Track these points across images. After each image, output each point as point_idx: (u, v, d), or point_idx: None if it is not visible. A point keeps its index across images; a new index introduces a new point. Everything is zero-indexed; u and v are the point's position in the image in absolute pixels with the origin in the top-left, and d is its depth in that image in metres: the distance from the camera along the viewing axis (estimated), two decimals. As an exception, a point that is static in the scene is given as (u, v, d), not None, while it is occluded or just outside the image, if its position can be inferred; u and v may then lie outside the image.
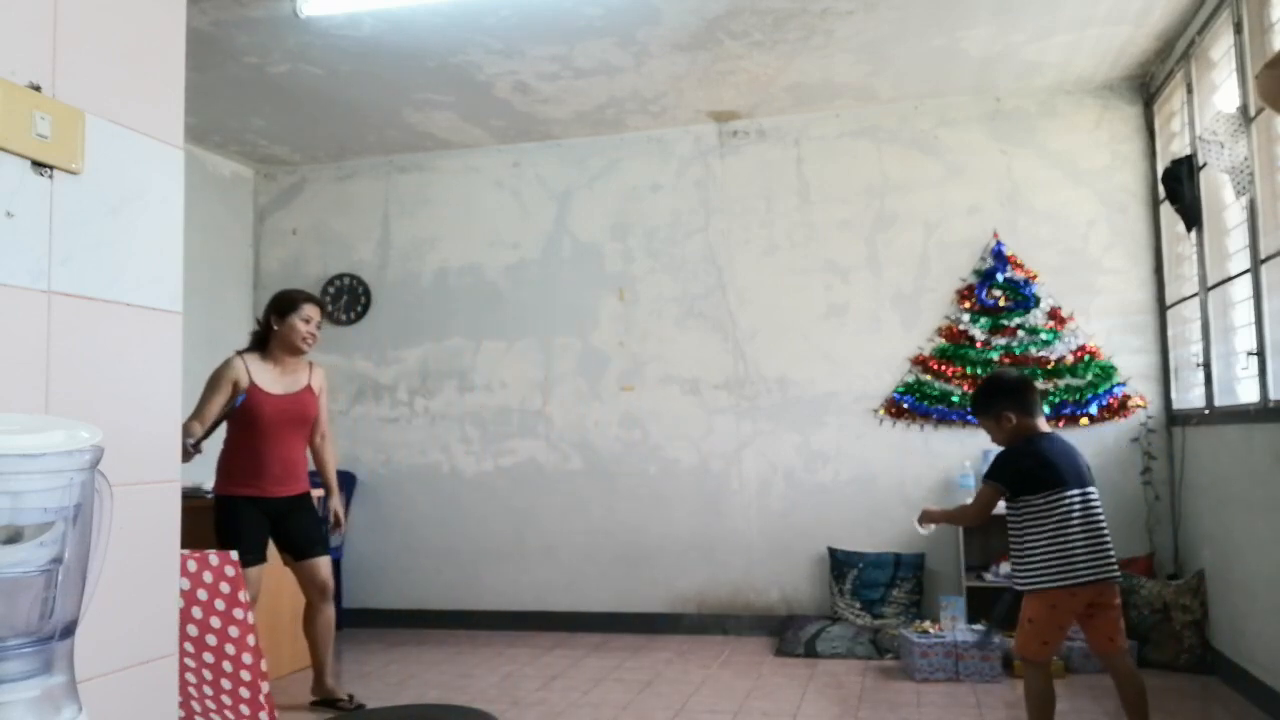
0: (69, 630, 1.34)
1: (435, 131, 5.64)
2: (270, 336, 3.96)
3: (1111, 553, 3.01)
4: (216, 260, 5.88)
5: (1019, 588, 3.05)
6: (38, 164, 1.67)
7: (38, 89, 1.67)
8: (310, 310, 3.98)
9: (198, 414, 3.78)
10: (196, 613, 2.73)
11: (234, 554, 3.21)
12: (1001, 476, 3.08)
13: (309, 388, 4.04)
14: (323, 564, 4.01)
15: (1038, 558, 2.99)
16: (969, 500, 4.96)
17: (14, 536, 1.25)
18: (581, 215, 5.79)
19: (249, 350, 3.97)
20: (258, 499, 3.86)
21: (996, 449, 5.26)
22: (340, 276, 6.09)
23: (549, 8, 4.11)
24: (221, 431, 3.94)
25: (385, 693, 4.23)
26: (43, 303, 1.67)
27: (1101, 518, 3.02)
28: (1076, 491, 3.00)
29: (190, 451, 3.64)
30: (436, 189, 6.02)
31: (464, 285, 5.93)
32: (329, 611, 4.04)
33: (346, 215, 6.14)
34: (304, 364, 4.06)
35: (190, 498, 3.66)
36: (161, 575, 1.93)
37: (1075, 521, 2.97)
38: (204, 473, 4.93)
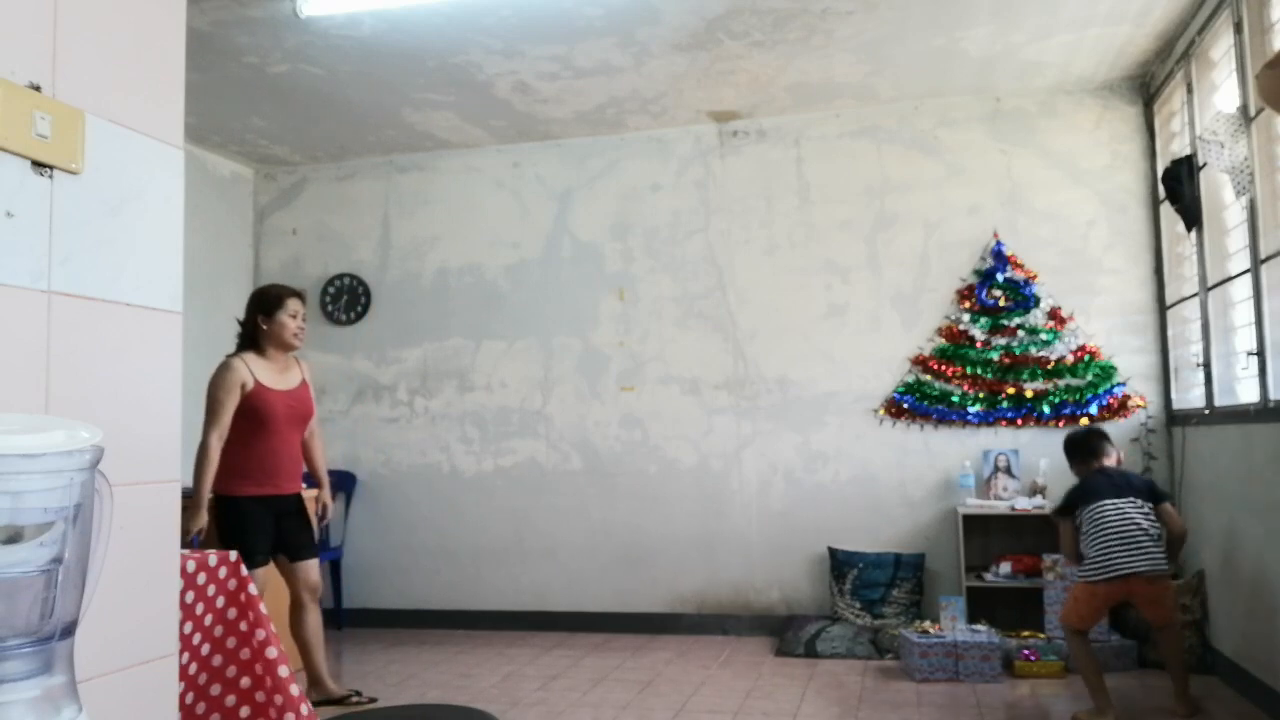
0: (69, 630, 1.34)
1: (435, 131, 5.64)
2: (259, 335, 3.94)
3: None
4: (216, 260, 5.88)
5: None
6: (38, 164, 1.67)
7: (38, 89, 1.67)
8: (295, 305, 3.97)
9: (217, 426, 3.76)
10: (204, 613, 2.73)
11: (233, 554, 3.19)
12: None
13: (305, 383, 4.07)
14: (315, 565, 4.03)
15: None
16: (972, 498, 4.98)
17: (14, 536, 1.25)
18: (581, 215, 5.79)
19: (243, 350, 3.93)
20: (267, 498, 3.86)
21: (994, 449, 5.27)
22: (340, 276, 6.09)
23: (549, 8, 4.11)
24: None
25: (385, 693, 4.23)
26: (43, 303, 1.67)
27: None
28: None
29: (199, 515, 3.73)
30: (436, 189, 6.01)
31: (464, 285, 5.93)
32: (318, 613, 4.05)
33: (346, 215, 6.14)
34: (293, 359, 4.07)
35: (190, 498, 3.67)
36: (161, 575, 1.93)
37: None
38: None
